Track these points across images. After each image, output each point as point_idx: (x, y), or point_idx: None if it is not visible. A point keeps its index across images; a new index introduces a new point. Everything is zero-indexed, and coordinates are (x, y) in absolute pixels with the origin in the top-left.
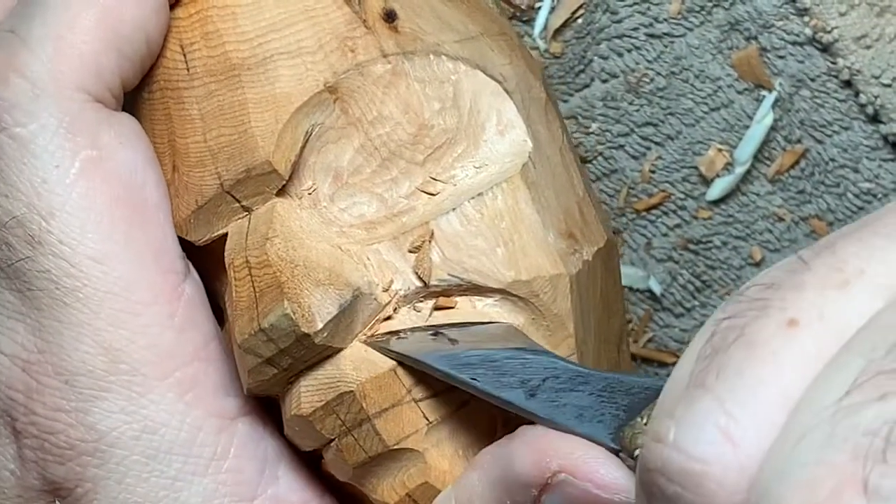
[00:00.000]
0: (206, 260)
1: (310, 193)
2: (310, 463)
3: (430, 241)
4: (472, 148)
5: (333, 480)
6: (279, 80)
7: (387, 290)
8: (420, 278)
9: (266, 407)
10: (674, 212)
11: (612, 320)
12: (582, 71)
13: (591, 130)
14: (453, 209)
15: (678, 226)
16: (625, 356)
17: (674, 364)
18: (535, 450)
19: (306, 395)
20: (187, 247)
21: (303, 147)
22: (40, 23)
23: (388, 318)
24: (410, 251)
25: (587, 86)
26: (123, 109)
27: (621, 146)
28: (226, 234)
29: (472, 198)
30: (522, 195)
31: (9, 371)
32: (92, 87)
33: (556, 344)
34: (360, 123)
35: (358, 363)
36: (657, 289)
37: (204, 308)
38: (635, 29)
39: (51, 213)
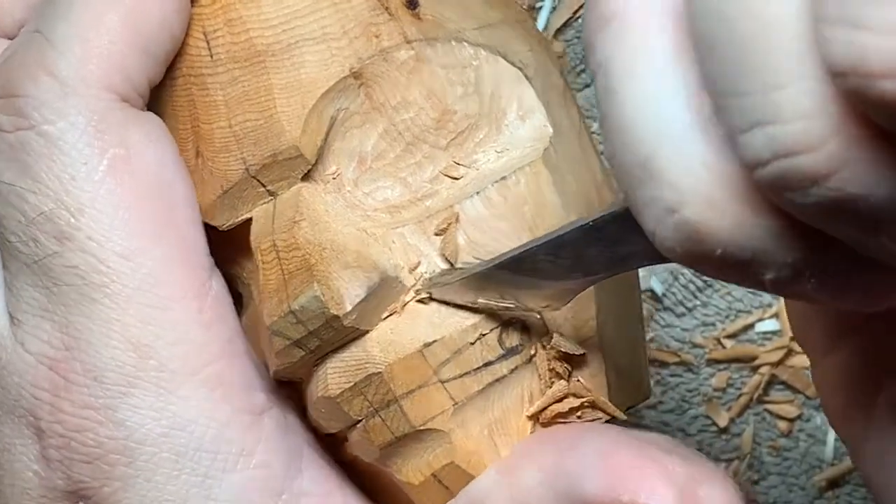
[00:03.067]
0: (222, 246)
1: (334, 178)
2: (326, 455)
3: (455, 224)
4: (494, 133)
5: (351, 471)
6: (304, 65)
7: (412, 273)
8: (447, 260)
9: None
10: None
11: (631, 301)
12: (583, 70)
13: (592, 130)
14: (477, 193)
15: None
16: (642, 336)
17: (675, 364)
18: (608, 476)
19: (333, 376)
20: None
21: (328, 132)
22: (64, 23)
23: (413, 299)
24: (436, 234)
25: (588, 85)
26: None
27: None
28: (249, 219)
29: (496, 182)
30: (545, 179)
31: (34, 370)
32: (119, 86)
33: (579, 325)
34: (384, 109)
35: (385, 345)
36: (659, 288)
37: (229, 304)
38: None
39: (79, 209)
